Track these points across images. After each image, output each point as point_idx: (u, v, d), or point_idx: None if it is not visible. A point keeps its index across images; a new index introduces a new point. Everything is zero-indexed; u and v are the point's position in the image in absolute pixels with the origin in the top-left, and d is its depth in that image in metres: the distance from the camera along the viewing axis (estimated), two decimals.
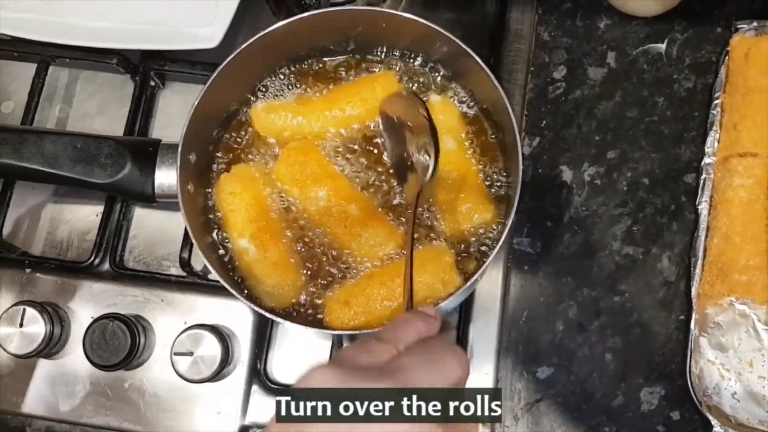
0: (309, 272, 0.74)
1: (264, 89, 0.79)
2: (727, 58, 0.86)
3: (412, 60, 0.80)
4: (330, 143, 0.77)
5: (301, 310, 0.73)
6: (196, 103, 0.70)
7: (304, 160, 0.75)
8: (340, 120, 0.77)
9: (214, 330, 0.77)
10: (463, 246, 0.73)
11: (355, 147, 0.77)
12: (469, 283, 0.68)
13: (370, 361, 0.48)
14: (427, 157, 0.66)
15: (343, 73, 0.80)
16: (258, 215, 0.74)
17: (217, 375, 0.77)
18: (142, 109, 0.88)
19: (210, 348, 0.76)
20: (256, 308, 0.66)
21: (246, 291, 0.72)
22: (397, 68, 0.80)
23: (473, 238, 0.74)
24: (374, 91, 0.77)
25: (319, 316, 0.72)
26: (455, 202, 0.73)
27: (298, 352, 0.82)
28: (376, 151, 0.77)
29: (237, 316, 0.81)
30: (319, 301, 0.73)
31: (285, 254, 0.74)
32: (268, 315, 0.66)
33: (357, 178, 0.77)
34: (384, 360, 0.48)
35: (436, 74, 0.79)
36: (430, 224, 0.75)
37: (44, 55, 0.87)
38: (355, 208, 0.74)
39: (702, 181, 0.83)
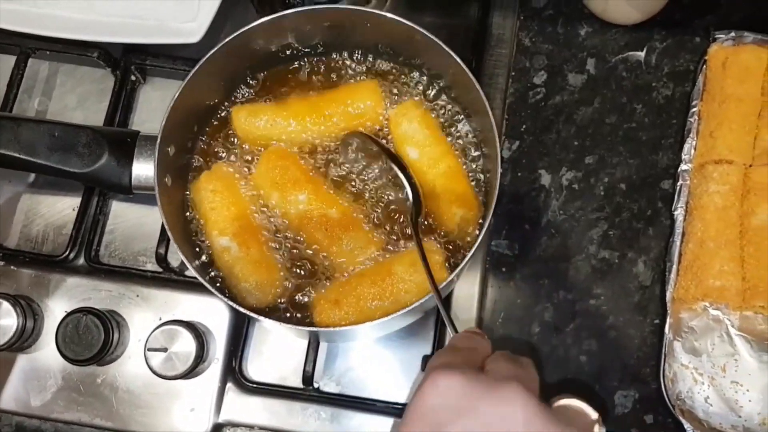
0: (293, 271, 0.74)
1: (245, 87, 0.79)
2: (704, 66, 0.87)
3: (393, 61, 0.80)
4: (308, 148, 0.77)
5: (283, 308, 0.72)
6: (176, 96, 0.70)
7: (284, 164, 0.75)
8: (319, 127, 0.77)
9: (190, 326, 0.77)
10: (451, 246, 0.74)
11: (332, 156, 0.77)
12: (452, 275, 0.68)
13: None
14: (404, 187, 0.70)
15: (325, 74, 0.80)
16: (240, 214, 0.74)
17: (192, 372, 0.76)
18: (122, 103, 0.88)
19: (185, 344, 0.76)
20: (233, 304, 0.66)
21: (227, 290, 0.72)
22: (377, 68, 0.80)
23: (458, 240, 0.74)
24: (355, 100, 0.77)
25: (299, 315, 0.72)
26: (440, 200, 0.74)
27: (275, 350, 0.82)
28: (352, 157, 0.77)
29: (213, 313, 0.80)
30: (305, 300, 0.73)
31: (267, 253, 0.73)
32: (252, 315, 0.66)
33: (334, 183, 0.77)
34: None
35: (417, 75, 0.79)
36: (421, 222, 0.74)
37: (24, 46, 0.87)
38: (335, 212, 0.74)
39: (678, 187, 0.84)
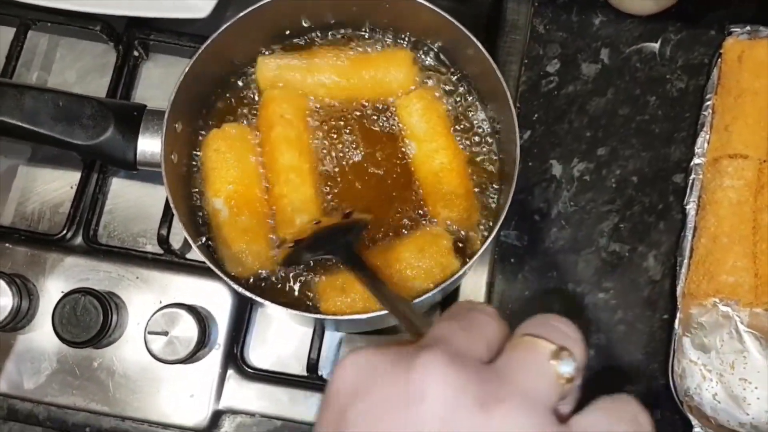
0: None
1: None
2: (719, 60, 0.86)
3: (411, 45, 0.78)
4: (323, 112, 0.75)
5: (288, 290, 0.70)
6: (186, 70, 0.67)
7: (296, 104, 0.73)
8: (343, 88, 0.74)
9: (192, 310, 0.74)
10: (456, 227, 0.72)
11: (339, 122, 0.75)
12: (466, 267, 0.66)
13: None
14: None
15: (342, 49, 0.78)
16: (238, 178, 0.71)
17: (192, 357, 0.74)
18: (123, 79, 0.85)
19: (186, 328, 0.74)
20: (243, 291, 0.64)
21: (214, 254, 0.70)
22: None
23: (465, 231, 0.72)
24: (389, 67, 0.74)
25: (304, 298, 0.70)
26: (429, 197, 0.72)
27: (278, 336, 0.80)
28: (357, 127, 0.75)
29: (215, 297, 0.78)
30: (308, 281, 0.71)
31: (258, 222, 0.71)
32: (258, 299, 0.63)
33: (324, 151, 0.74)
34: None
35: (434, 60, 0.77)
36: (422, 212, 0.73)
37: (24, 17, 0.84)
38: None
39: (691, 182, 0.83)
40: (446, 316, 0.44)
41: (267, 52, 0.76)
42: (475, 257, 0.66)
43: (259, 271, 0.70)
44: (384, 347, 0.41)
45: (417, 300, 0.64)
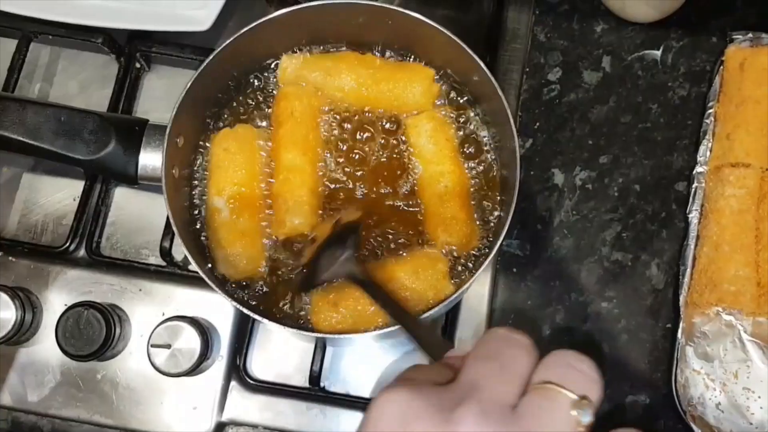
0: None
1: (265, 71, 0.77)
2: (721, 67, 0.86)
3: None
4: (332, 114, 0.75)
5: (285, 307, 0.70)
6: (188, 85, 0.67)
7: (308, 102, 0.73)
8: (363, 94, 0.74)
9: (194, 322, 0.75)
10: (454, 248, 0.71)
11: (351, 130, 0.75)
12: (458, 293, 0.66)
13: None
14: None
15: None
16: (242, 180, 0.71)
17: (195, 369, 0.74)
18: (125, 91, 0.85)
19: (189, 341, 0.74)
20: (245, 310, 0.64)
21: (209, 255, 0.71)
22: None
23: (464, 251, 0.72)
24: (410, 82, 0.74)
25: (303, 312, 0.70)
26: (430, 220, 0.72)
27: (280, 348, 0.80)
28: (366, 136, 0.75)
29: (218, 309, 0.78)
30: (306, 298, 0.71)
31: (256, 226, 0.71)
32: (255, 316, 0.64)
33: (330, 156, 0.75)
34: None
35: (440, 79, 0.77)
36: (421, 229, 0.72)
37: (26, 30, 0.84)
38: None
39: (693, 190, 0.83)
40: (482, 353, 0.46)
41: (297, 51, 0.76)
42: (469, 282, 0.66)
43: (251, 275, 0.70)
44: (421, 389, 0.43)
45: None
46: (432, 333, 0.54)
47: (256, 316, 0.63)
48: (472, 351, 0.46)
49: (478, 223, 0.72)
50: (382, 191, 0.73)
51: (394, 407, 0.42)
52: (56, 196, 0.84)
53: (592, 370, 0.44)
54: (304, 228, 0.70)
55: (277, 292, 0.71)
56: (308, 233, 0.70)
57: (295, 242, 0.71)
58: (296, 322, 0.69)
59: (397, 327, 0.64)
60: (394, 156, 0.74)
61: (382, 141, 0.75)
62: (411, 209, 0.73)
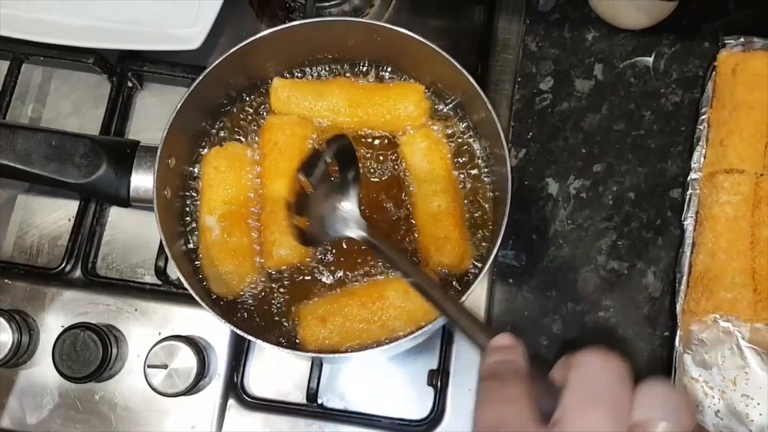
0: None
1: (256, 88, 0.77)
2: (714, 73, 0.86)
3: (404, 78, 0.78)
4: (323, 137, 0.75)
5: (276, 322, 0.71)
6: (178, 107, 0.68)
7: (291, 132, 0.73)
8: (352, 118, 0.74)
9: (190, 341, 0.75)
10: (446, 270, 0.71)
11: None
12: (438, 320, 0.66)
13: None
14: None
15: None
16: (233, 198, 0.72)
17: (193, 388, 0.74)
18: (118, 110, 0.86)
19: (185, 360, 0.74)
20: (238, 330, 0.64)
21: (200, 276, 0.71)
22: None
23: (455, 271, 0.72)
24: (399, 100, 0.74)
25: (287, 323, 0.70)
26: (424, 240, 0.72)
27: (277, 365, 0.80)
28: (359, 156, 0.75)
29: (214, 327, 0.78)
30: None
31: (248, 244, 0.72)
32: (248, 337, 0.64)
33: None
34: None
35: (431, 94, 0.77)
36: (414, 248, 0.72)
37: (18, 52, 0.84)
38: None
39: (688, 197, 0.83)
40: (586, 392, 0.43)
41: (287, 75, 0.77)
42: (464, 297, 0.66)
43: (243, 293, 0.71)
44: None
45: (400, 342, 0.65)
46: (476, 323, 0.52)
47: (249, 337, 0.63)
48: (573, 386, 0.43)
49: (471, 239, 0.72)
50: (375, 215, 0.73)
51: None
52: (51, 217, 0.84)
53: (686, 399, 0.44)
54: (293, 259, 0.70)
55: (271, 309, 0.71)
56: (297, 263, 0.71)
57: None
58: (291, 339, 0.69)
59: (394, 344, 0.64)
60: (389, 175, 0.74)
61: (377, 160, 0.75)
62: (405, 228, 0.73)
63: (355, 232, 0.65)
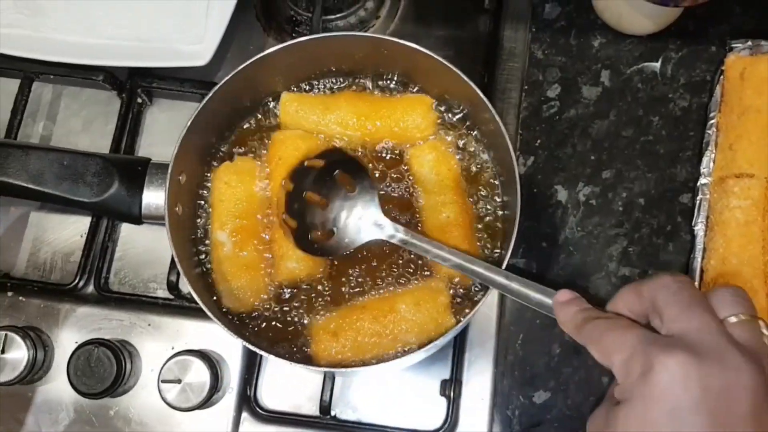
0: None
1: (265, 103, 0.78)
2: (722, 77, 0.85)
3: (413, 90, 0.78)
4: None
5: (288, 336, 0.71)
6: (188, 124, 0.68)
7: (294, 146, 0.73)
8: (360, 132, 0.75)
9: (203, 356, 0.75)
10: (457, 279, 0.72)
11: None
12: (459, 326, 0.67)
13: None
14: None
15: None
16: (244, 212, 0.72)
17: (206, 402, 0.75)
18: (128, 126, 0.86)
19: (198, 375, 0.74)
20: (250, 346, 0.64)
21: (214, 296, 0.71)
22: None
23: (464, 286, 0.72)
24: (407, 113, 0.74)
25: (302, 340, 0.70)
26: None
27: (290, 378, 0.80)
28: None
29: (226, 340, 0.79)
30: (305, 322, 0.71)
31: (259, 258, 0.72)
32: (260, 352, 0.64)
33: None
34: None
35: (440, 107, 0.77)
36: (423, 263, 0.73)
37: (28, 71, 0.85)
38: None
39: (698, 202, 0.82)
40: (675, 301, 0.52)
41: (295, 89, 0.78)
42: (470, 315, 0.66)
43: (255, 308, 0.71)
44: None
45: (412, 355, 0.65)
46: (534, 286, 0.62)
47: (261, 352, 0.64)
48: (670, 303, 0.52)
49: (481, 248, 0.72)
50: None
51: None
52: (64, 233, 0.85)
53: (746, 294, 0.54)
54: (302, 273, 0.70)
55: (283, 324, 0.71)
56: (306, 276, 0.71)
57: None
58: (304, 353, 0.70)
59: (406, 357, 0.65)
60: (398, 187, 0.74)
61: (385, 172, 0.75)
62: None
63: (387, 232, 0.67)
